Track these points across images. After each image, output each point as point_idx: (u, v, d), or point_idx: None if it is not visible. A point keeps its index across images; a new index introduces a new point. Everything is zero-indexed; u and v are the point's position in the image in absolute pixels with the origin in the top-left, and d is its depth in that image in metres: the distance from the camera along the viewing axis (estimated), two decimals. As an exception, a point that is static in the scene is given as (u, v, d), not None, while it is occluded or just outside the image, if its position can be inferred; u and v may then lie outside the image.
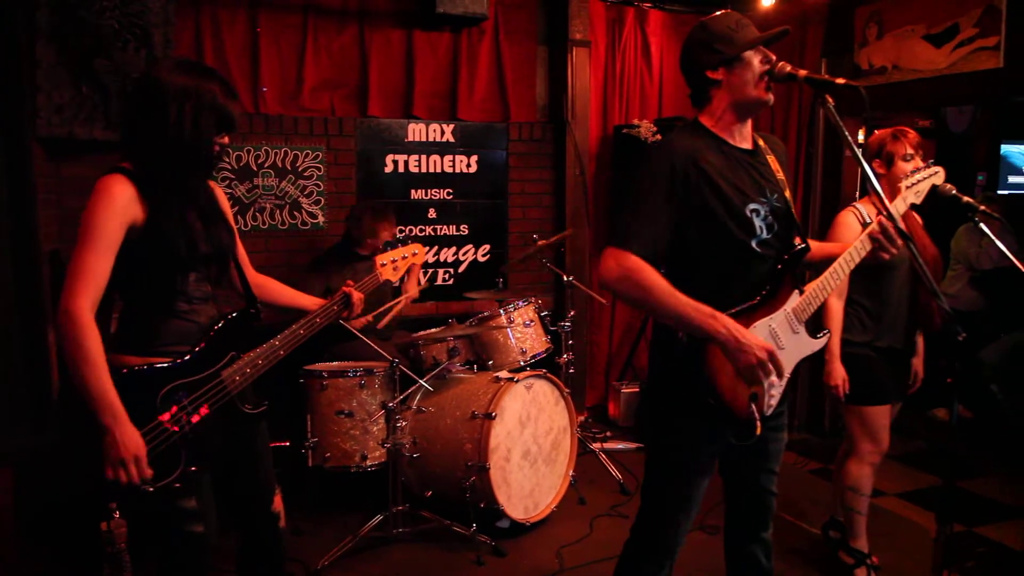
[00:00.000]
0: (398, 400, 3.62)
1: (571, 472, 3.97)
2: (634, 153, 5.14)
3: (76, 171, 4.20)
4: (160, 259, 2.00)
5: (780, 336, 2.12)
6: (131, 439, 1.89)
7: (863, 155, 3.02)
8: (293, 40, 4.61)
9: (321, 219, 4.82)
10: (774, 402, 2.14)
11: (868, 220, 2.99)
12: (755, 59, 2.09)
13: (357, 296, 2.45)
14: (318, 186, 4.80)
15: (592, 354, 5.60)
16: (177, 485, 1.99)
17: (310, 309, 2.39)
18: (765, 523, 2.39)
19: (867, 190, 2.61)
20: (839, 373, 3.01)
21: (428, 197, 5.10)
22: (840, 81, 1.99)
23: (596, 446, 4.63)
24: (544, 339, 4.18)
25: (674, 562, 2.30)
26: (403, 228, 5.01)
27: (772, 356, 1.93)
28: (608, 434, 5.08)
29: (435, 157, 5.08)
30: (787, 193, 2.18)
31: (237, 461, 2.23)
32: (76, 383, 1.86)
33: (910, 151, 2.97)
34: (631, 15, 5.49)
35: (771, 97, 2.11)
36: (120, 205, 1.92)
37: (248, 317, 2.19)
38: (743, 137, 2.18)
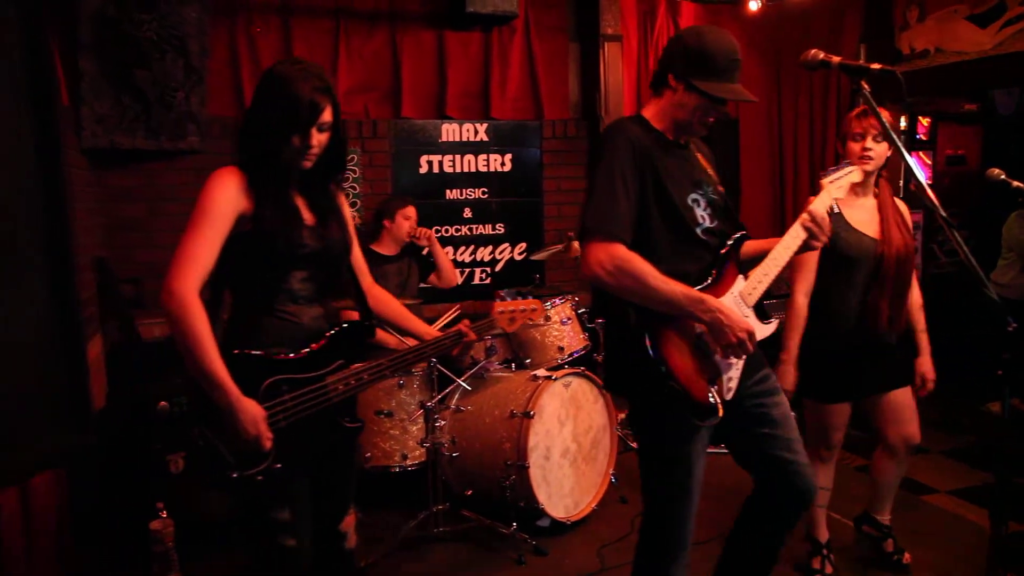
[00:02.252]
0: (436, 399, 3.63)
1: (611, 471, 3.94)
2: (606, 143, 5.08)
3: (119, 180, 4.31)
4: (263, 252, 1.98)
5: None
6: (249, 413, 1.87)
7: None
8: (326, 45, 4.66)
9: (358, 221, 4.86)
10: (732, 385, 2.18)
11: (836, 211, 2.81)
12: (706, 102, 2.11)
13: (471, 338, 2.37)
14: (354, 188, 4.84)
15: (631, 351, 5.55)
16: (259, 478, 1.94)
17: (421, 336, 2.33)
18: (802, 503, 2.37)
19: (909, 179, 2.52)
20: (791, 377, 2.92)
21: (463, 197, 5.11)
22: (876, 67, 1.96)
23: (637, 444, 4.58)
24: (582, 336, 4.16)
25: (687, 552, 2.28)
26: (439, 228, 5.02)
27: (751, 335, 2.03)
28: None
29: (469, 157, 5.09)
30: (719, 187, 2.27)
31: (329, 475, 2.17)
32: (186, 363, 1.86)
33: (858, 131, 2.81)
34: (663, 8, 5.44)
35: (703, 131, 2.19)
36: (230, 193, 1.93)
37: (362, 329, 2.16)
38: (677, 136, 2.24)
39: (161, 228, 4.43)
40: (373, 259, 4.28)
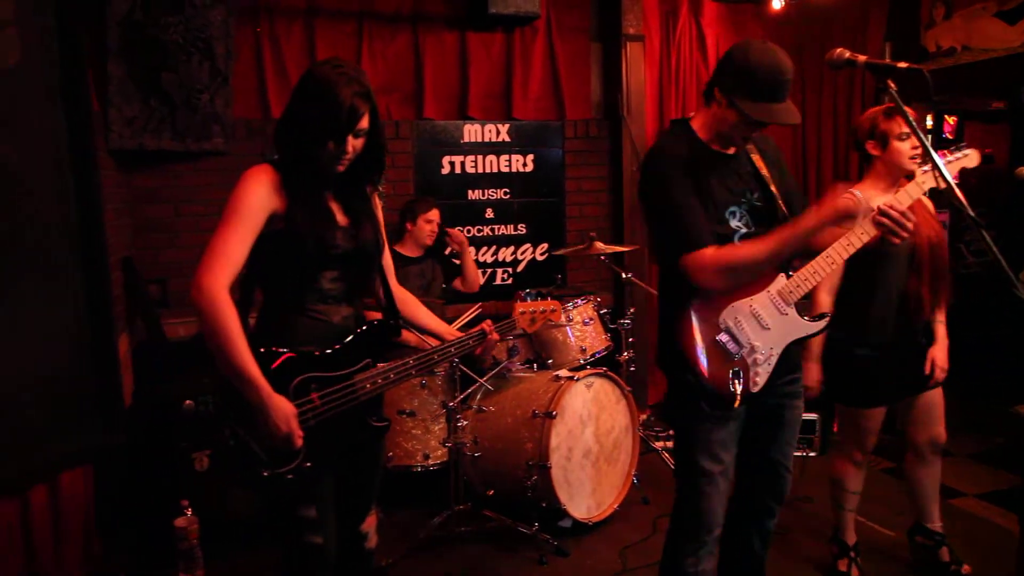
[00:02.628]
0: (459, 399, 3.64)
1: (634, 471, 3.94)
2: (652, 167, 5.05)
3: (146, 181, 4.36)
4: (295, 252, 1.96)
5: (763, 316, 2.24)
6: (281, 411, 1.87)
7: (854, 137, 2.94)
8: (349, 47, 4.68)
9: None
10: (760, 380, 2.24)
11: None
12: (747, 121, 2.16)
13: (493, 339, 2.39)
14: (376, 189, 4.86)
15: (654, 352, 5.53)
16: (290, 476, 1.95)
17: (444, 336, 2.34)
18: (771, 507, 2.49)
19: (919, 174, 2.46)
20: (813, 375, 2.92)
21: (485, 197, 5.11)
22: (902, 65, 1.95)
23: (659, 445, 4.57)
24: (604, 337, 4.16)
25: (714, 539, 2.38)
26: (462, 228, 5.04)
27: (846, 206, 2.05)
28: (671, 433, 5.01)
29: (491, 157, 5.10)
30: (773, 188, 2.31)
31: (354, 474, 2.19)
32: (217, 360, 1.86)
33: (905, 130, 2.78)
34: (685, 7, 5.41)
35: (743, 145, 2.30)
36: (263, 191, 1.92)
37: (389, 329, 2.17)
38: (724, 145, 2.30)
39: (186, 228, 4.47)
40: (397, 260, 4.30)
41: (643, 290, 4.89)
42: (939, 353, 2.99)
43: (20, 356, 1.43)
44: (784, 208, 2.32)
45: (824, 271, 2.24)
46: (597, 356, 4.09)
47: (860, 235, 2.20)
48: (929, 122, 5.02)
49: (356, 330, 2.09)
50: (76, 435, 1.56)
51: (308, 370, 1.98)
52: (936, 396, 3.05)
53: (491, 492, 3.73)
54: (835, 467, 3.18)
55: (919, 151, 2.77)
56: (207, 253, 1.87)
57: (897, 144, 2.81)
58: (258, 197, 1.92)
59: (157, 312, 4.23)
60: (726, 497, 2.37)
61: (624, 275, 4.50)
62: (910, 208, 2.48)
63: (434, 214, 4.29)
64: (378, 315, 2.22)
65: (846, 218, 2.07)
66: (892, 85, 1.97)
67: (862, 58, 2.03)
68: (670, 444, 4.76)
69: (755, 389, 2.24)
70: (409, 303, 2.36)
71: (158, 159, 4.29)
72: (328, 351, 2.02)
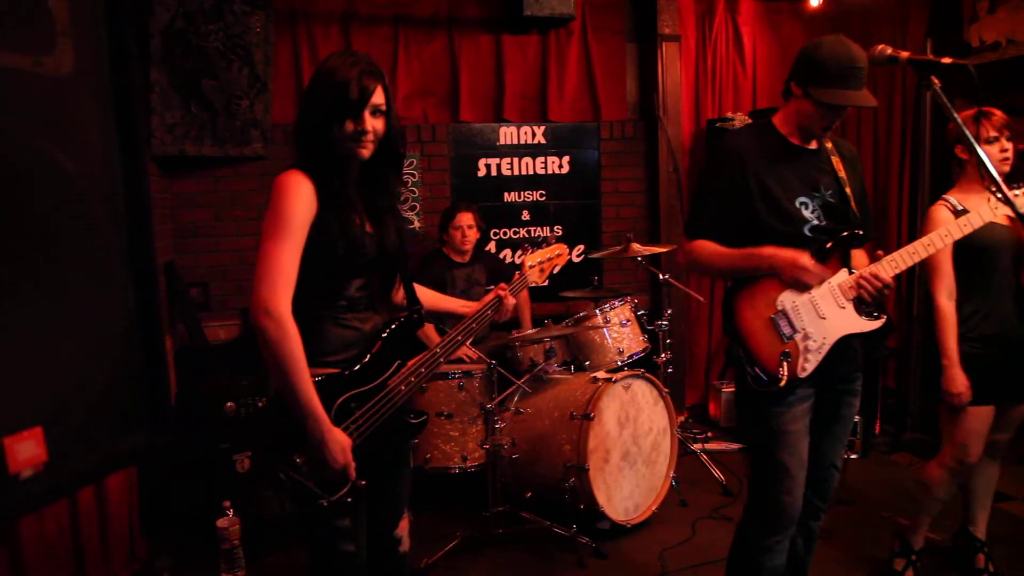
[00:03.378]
0: (496, 401, 3.64)
1: (672, 473, 3.91)
2: (707, 156, 5.02)
3: (187, 187, 4.45)
4: (324, 262, 1.90)
5: (821, 305, 2.31)
6: (340, 446, 1.84)
7: (952, 141, 2.90)
8: (385, 51, 4.72)
9: (417, 224, 4.92)
10: (809, 367, 2.28)
11: (962, 209, 2.81)
12: (823, 108, 2.24)
13: (510, 302, 2.33)
14: (413, 192, 4.90)
15: (691, 353, 5.50)
16: (349, 500, 1.92)
17: (457, 312, 2.31)
18: (817, 507, 2.51)
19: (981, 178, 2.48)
20: (960, 380, 2.81)
21: (521, 199, 5.12)
22: (946, 60, 1.92)
23: (697, 447, 4.54)
24: (641, 338, 4.13)
25: (789, 532, 2.40)
26: (497, 231, 5.05)
27: (801, 265, 2.21)
28: (709, 434, 4.97)
29: (527, 159, 5.10)
30: (848, 189, 2.37)
31: (389, 479, 2.15)
32: (281, 388, 1.81)
33: (993, 133, 2.78)
34: (721, 6, 5.36)
35: (825, 135, 2.36)
36: (305, 199, 1.85)
37: (413, 323, 2.09)
38: (806, 139, 2.38)
39: (226, 233, 4.55)
40: (445, 264, 4.32)
41: (680, 291, 4.86)
42: None
43: (72, 358, 1.46)
44: (856, 210, 2.38)
45: (889, 273, 2.31)
46: (634, 358, 4.07)
47: (911, 254, 2.34)
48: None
49: (380, 336, 2.03)
50: (125, 436, 1.58)
51: (344, 390, 1.94)
52: None
53: (529, 494, 3.72)
54: (928, 469, 3.07)
55: (1008, 154, 2.76)
56: (263, 271, 1.80)
57: (986, 148, 2.78)
58: (304, 206, 1.85)
59: (199, 315, 4.30)
60: (803, 491, 2.38)
61: (661, 276, 4.47)
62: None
63: (462, 218, 4.27)
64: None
65: (797, 283, 2.26)
66: (936, 82, 1.94)
67: (904, 54, 2.00)
68: (709, 446, 4.73)
69: (802, 375, 2.29)
70: (422, 293, 2.30)
71: (199, 165, 4.37)
72: (357, 367, 1.97)
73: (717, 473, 4.23)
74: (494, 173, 5.05)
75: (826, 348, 2.30)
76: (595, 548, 3.48)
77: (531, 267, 2.48)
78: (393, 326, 2.05)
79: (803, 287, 2.27)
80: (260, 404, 3.54)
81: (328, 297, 1.96)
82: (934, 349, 2.91)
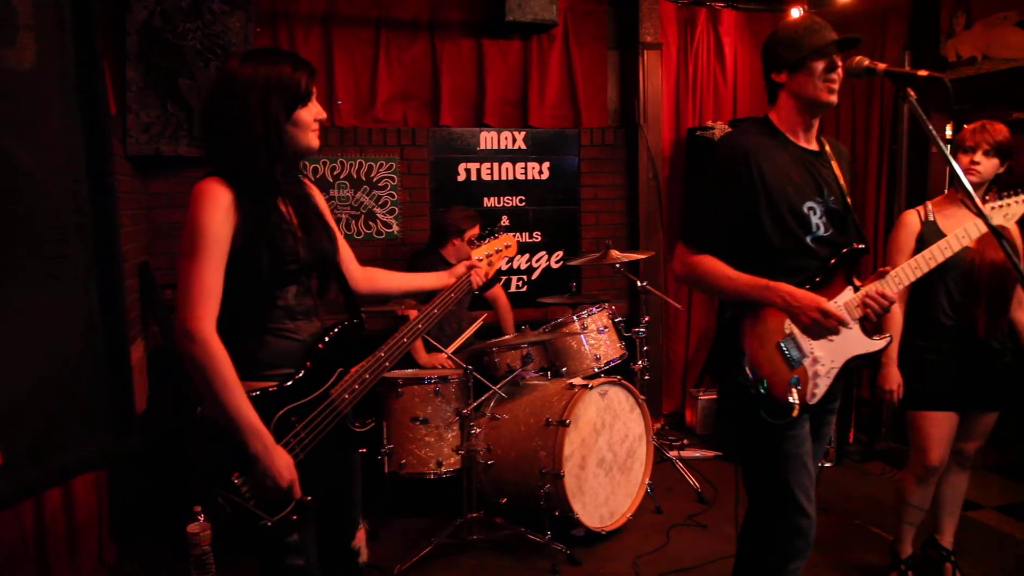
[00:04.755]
0: (472, 407, 3.63)
1: (647, 480, 3.91)
2: (708, 155, 5.05)
3: (163, 187, 4.39)
4: (256, 271, 1.82)
5: None
6: (284, 464, 1.78)
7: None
8: (366, 53, 4.70)
9: (396, 228, 4.89)
10: (819, 391, 2.20)
11: (930, 218, 2.90)
12: (819, 65, 2.15)
13: (480, 280, 2.30)
14: (392, 196, 4.87)
15: (668, 360, 5.51)
16: (294, 517, 1.85)
17: (430, 288, 2.26)
18: None
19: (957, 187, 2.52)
20: (894, 377, 2.95)
21: (501, 204, 5.11)
22: (923, 73, 1.95)
23: (673, 454, 4.54)
24: (619, 345, 4.13)
25: (808, 553, 2.28)
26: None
27: (824, 311, 2.05)
28: (685, 442, 4.98)
29: (507, 164, 5.10)
30: (848, 198, 2.28)
31: (338, 486, 2.07)
32: (215, 410, 1.76)
33: (970, 143, 2.83)
34: (703, 15, 5.40)
35: (834, 99, 2.18)
36: (224, 208, 1.76)
37: (353, 329, 2.01)
38: (808, 138, 2.29)
39: (203, 234, 4.49)
40: (437, 263, 4.30)
41: (658, 298, 4.87)
42: None
43: (33, 360, 1.43)
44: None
45: (894, 289, 2.24)
46: (611, 364, 4.07)
47: (914, 269, 2.30)
48: (948, 132, 4.97)
49: (318, 343, 1.94)
50: (86, 441, 1.55)
51: (283, 404, 1.85)
52: (994, 416, 3.04)
53: (504, 500, 3.71)
54: (901, 479, 3.16)
55: (978, 167, 2.80)
56: (184, 294, 1.73)
57: (960, 155, 2.86)
58: (222, 218, 1.76)
59: (172, 318, 4.24)
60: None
61: (639, 283, 4.48)
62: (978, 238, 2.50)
63: (476, 230, 4.32)
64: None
65: (813, 330, 2.09)
66: (912, 94, 1.96)
67: (882, 66, 2.02)
68: (685, 453, 4.73)
69: (812, 401, 2.18)
70: (376, 279, 2.25)
71: (175, 165, 4.32)
72: (295, 379, 1.88)
73: (692, 480, 4.24)
74: (474, 178, 5.04)
75: (835, 371, 2.22)
76: (569, 555, 3.47)
77: (479, 259, 2.42)
78: (332, 333, 1.97)
79: (818, 334, 2.10)
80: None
81: (263, 308, 1.87)
82: (905, 359, 2.95)
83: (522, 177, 5.13)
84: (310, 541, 1.96)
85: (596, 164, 5.30)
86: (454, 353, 3.82)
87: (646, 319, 4.47)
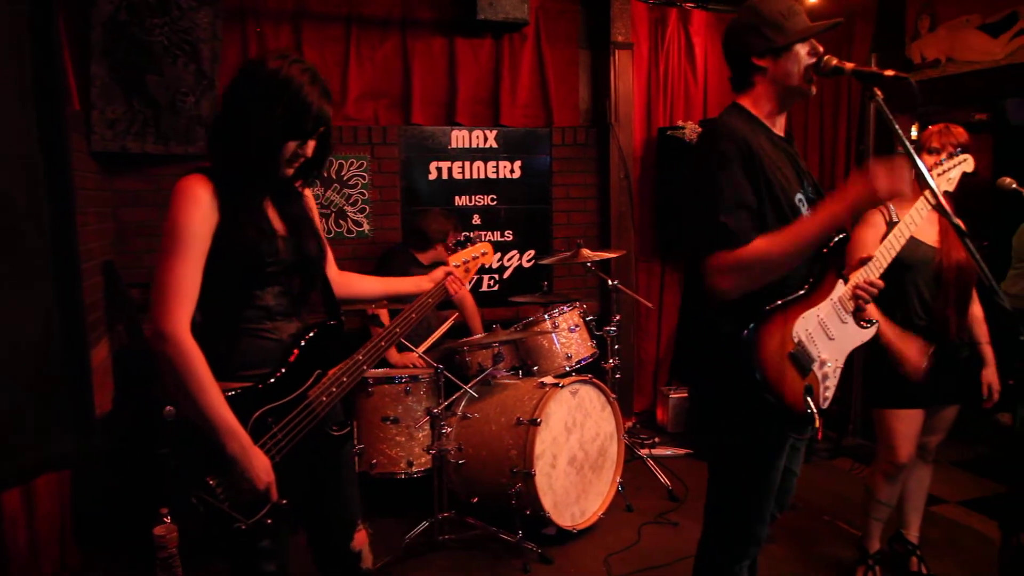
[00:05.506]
0: (443, 406, 3.62)
1: (618, 479, 3.92)
2: (679, 155, 5.08)
3: (129, 184, 4.32)
4: (237, 270, 1.80)
5: (829, 326, 2.12)
6: (261, 465, 1.76)
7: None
8: (336, 51, 4.67)
9: (366, 227, 4.86)
10: (829, 394, 2.13)
11: (895, 219, 2.92)
12: (803, 50, 2.07)
13: (456, 287, 2.29)
14: (363, 194, 4.84)
15: (640, 359, 5.54)
16: (268, 521, 1.82)
17: (407, 292, 2.25)
18: (774, 514, 2.36)
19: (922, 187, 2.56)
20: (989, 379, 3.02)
21: (472, 203, 5.10)
22: (889, 73, 1.94)
23: (644, 452, 4.56)
24: (590, 344, 4.14)
25: (758, 550, 2.26)
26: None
27: (884, 167, 1.85)
28: (656, 440, 5.01)
29: (479, 163, 5.09)
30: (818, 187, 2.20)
31: (320, 490, 2.03)
32: (190, 412, 1.73)
33: (935, 145, 2.90)
34: (674, 16, 5.43)
35: (814, 89, 2.11)
36: (203, 208, 1.74)
37: (332, 331, 1.98)
38: (780, 127, 2.18)
39: (170, 232, 4.43)
40: (411, 264, 4.28)
41: (629, 297, 4.89)
42: (991, 375, 3.04)
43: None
44: None
45: (875, 273, 2.20)
46: (583, 363, 4.08)
47: (898, 236, 2.32)
48: (914, 132, 5.04)
49: (296, 345, 1.92)
50: (48, 442, 1.52)
51: (260, 404, 1.83)
52: (955, 410, 3.11)
53: (475, 500, 3.70)
54: (869, 475, 3.20)
55: (930, 165, 2.84)
56: (159, 292, 1.70)
57: (924, 156, 2.91)
58: (201, 217, 1.74)
59: (138, 317, 4.18)
60: None
61: (610, 282, 4.49)
62: (943, 231, 2.51)
63: (459, 235, 4.34)
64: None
65: (895, 190, 1.85)
66: (879, 93, 1.97)
67: (849, 65, 2.02)
68: (656, 452, 4.76)
69: (825, 405, 2.11)
70: (355, 283, 2.24)
71: (142, 162, 4.26)
72: (272, 380, 1.86)
73: (663, 478, 4.26)
74: (445, 176, 5.02)
75: (839, 370, 2.15)
76: (541, 554, 3.48)
77: (456, 266, 2.42)
78: (310, 335, 1.95)
79: (892, 186, 1.86)
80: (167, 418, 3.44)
81: (241, 307, 1.86)
82: (874, 356, 2.98)
83: (494, 176, 5.13)
84: (284, 547, 1.93)
85: (568, 163, 5.31)
86: (425, 352, 3.80)
87: (617, 318, 4.49)
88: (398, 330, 2.13)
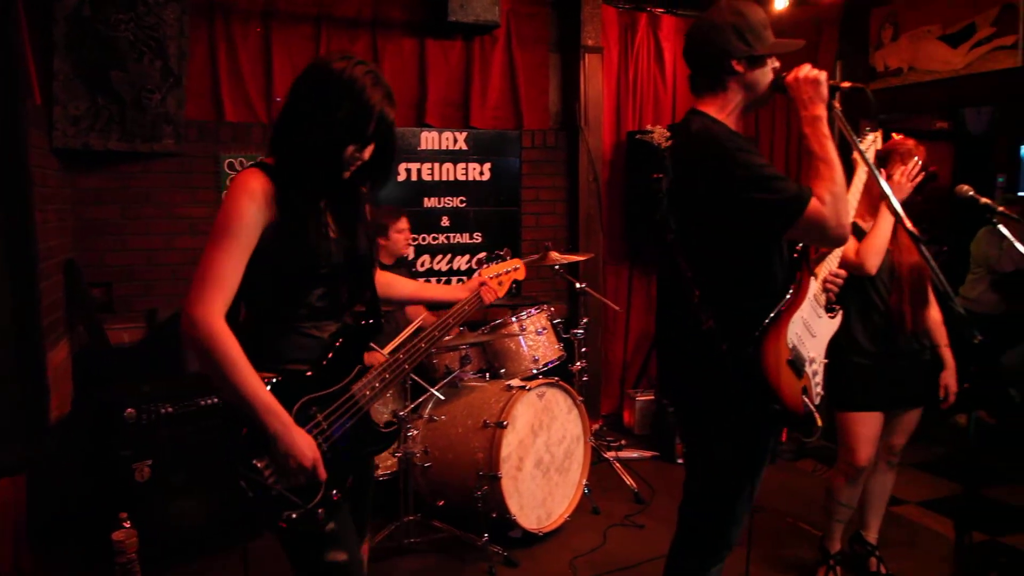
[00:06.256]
0: (409, 409, 3.60)
1: (584, 481, 3.93)
2: (648, 159, 5.11)
3: (92, 182, 4.25)
4: (285, 269, 1.81)
5: (811, 324, 2.17)
6: (305, 442, 1.75)
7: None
8: (306, 50, 4.63)
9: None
10: (820, 390, 2.17)
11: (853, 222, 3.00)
12: (771, 64, 2.12)
13: (489, 297, 2.34)
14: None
15: (607, 362, 5.56)
16: (320, 511, 1.81)
17: (442, 299, 2.31)
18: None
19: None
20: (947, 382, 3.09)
21: (441, 205, 5.09)
22: (846, 84, 2.02)
23: (610, 455, 4.59)
24: (557, 347, 4.15)
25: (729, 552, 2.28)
26: (416, 236, 5.00)
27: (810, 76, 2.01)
28: (623, 442, 5.03)
29: (448, 165, 5.08)
30: None
31: (354, 493, 1.99)
32: (226, 394, 1.72)
33: (912, 153, 2.99)
34: (643, 21, 5.47)
35: (761, 106, 2.22)
36: (257, 203, 1.74)
37: (370, 329, 2.02)
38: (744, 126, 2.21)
39: (134, 232, 4.37)
40: None
41: (597, 300, 4.91)
42: (949, 377, 3.10)
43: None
44: None
45: (836, 260, 2.29)
46: (550, 366, 4.09)
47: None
48: (878, 140, 5.13)
49: (338, 340, 1.95)
50: (3, 445, 1.49)
51: (303, 393, 1.84)
52: (918, 412, 3.16)
53: (441, 503, 3.69)
54: (831, 478, 3.24)
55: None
56: (197, 278, 1.70)
57: (899, 165, 2.98)
58: (254, 210, 1.74)
59: (100, 317, 4.12)
60: None
61: (578, 285, 4.51)
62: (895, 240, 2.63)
63: (404, 223, 4.25)
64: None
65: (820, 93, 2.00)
66: (837, 105, 2.03)
67: None
68: (622, 454, 4.78)
69: (818, 401, 2.14)
70: (394, 285, 2.28)
71: (105, 159, 4.19)
72: (317, 369, 1.88)
73: (629, 481, 4.29)
74: (414, 178, 5.00)
75: (823, 365, 2.20)
76: (507, 556, 3.48)
77: (492, 278, 2.45)
78: (349, 331, 1.97)
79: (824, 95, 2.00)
80: (164, 411, 3.40)
81: (290, 305, 1.87)
82: (834, 362, 3.02)
83: (463, 178, 5.12)
84: (350, 535, 1.93)
85: (537, 166, 5.33)
86: (391, 353, 3.79)
87: (584, 321, 4.51)
88: (437, 333, 2.19)
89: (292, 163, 1.80)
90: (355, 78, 1.77)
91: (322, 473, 1.78)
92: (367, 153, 1.84)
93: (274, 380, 1.79)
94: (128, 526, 3.13)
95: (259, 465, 1.74)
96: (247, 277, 1.76)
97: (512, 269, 2.52)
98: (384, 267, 4.26)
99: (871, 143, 2.75)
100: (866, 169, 2.71)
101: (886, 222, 2.83)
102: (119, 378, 3.71)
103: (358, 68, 1.79)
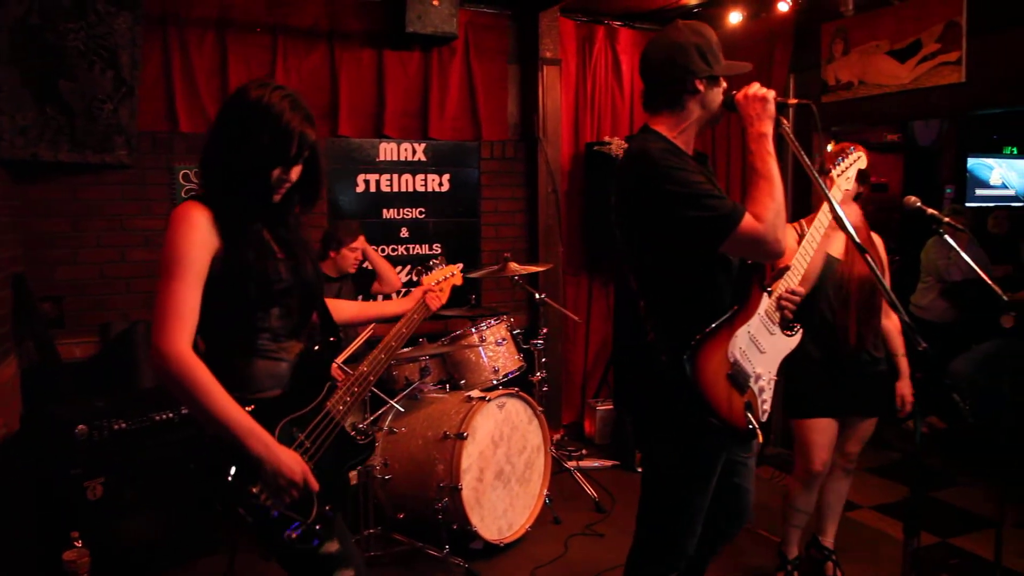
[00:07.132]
0: (369, 421, 3.58)
1: (545, 491, 3.94)
2: (606, 170, 5.15)
3: (41, 193, 4.16)
4: (240, 293, 1.83)
5: (760, 340, 2.17)
6: (290, 459, 1.77)
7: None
8: (262, 60, 4.59)
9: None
10: (767, 407, 2.20)
11: (806, 231, 3.04)
12: (723, 84, 2.19)
13: (436, 304, 2.40)
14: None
15: (567, 372, 5.58)
16: (317, 527, 1.85)
17: (389, 314, 2.38)
18: (731, 533, 2.43)
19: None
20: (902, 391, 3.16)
21: (400, 216, 5.08)
22: (792, 101, 2.12)
23: (571, 464, 4.60)
24: (517, 357, 4.16)
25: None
26: (375, 247, 4.98)
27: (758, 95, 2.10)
28: (584, 452, 5.05)
29: (407, 176, 5.07)
30: None
31: (336, 504, 2.03)
32: (204, 422, 1.74)
33: (828, 166, 3.00)
34: (601, 33, 5.53)
35: (713, 125, 2.29)
36: (202, 232, 1.78)
37: (333, 347, 2.08)
38: (690, 150, 2.23)
39: (85, 245, 4.28)
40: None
41: (556, 311, 4.93)
42: (905, 386, 3.17)
43: None
44: None
45: (796, 279, 2.29)
46: (510, 376, 4.09)
47: (811, 240, 2.40)
48: (830, 148, 5.24)
49: (305, 359, 1.99)
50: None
51: (281, 415, 1.88)
52: (874, 421, 3.21)
53: (401, 515, 3.67)
54: (787, 484, 3.30)
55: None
56: (158, 315, 1.73)
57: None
58: (200, 240, 1.77)
59: (50, 332, 4.02)
60: None
61: (538, 296, 4.53)
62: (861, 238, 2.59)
63: (360, 242, 4.25)
64: None
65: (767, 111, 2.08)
66: (785, 122, 2.10)
67: None
68: (583, 463, 4.80)
69: (764, 418, 2.17)
70: (341, 308, 2.32)
71: (56, 170, 4.10)
72: (290, 390, 1.93)
73: (590, 490, 4.30)
74: (373, 189, 4.98)
75: (774, 381, 2.22)
76: (468, 568, 3.46)
77: (434, 285, 2.50)
78: (314, 350, 2.02)
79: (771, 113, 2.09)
80: (118, 427, 3.33)
81: (250, 330, 1.89)
82: (792, 367, 3.07)
83: (422, 189, 5.12)
84: (353, 552, 1.98)
85: (496, 177, 5.34)
86: (344, 363, 3.76)
87: (544, 331, 4.52)
88: (394, 343, 2.26)
89: (223, 190, 1.85)
90: (272, 103, 1.82)
91: (313, 484, 1.81)
92: (294, 174, 1.90)
93: (251, 407, 1.81)
94: (80, 545, 3.06)
95: (254, 491, 1.77)
96: (203, 311, 1.78)
97: (450, 275, 2.59)
98: (328, 279, 4.25)
99: (853, 162, 2.80)
100: (841, 187, 2.77)
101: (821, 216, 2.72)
102: (71, 394, 3.63)
103: (275, 93, 1.84)
